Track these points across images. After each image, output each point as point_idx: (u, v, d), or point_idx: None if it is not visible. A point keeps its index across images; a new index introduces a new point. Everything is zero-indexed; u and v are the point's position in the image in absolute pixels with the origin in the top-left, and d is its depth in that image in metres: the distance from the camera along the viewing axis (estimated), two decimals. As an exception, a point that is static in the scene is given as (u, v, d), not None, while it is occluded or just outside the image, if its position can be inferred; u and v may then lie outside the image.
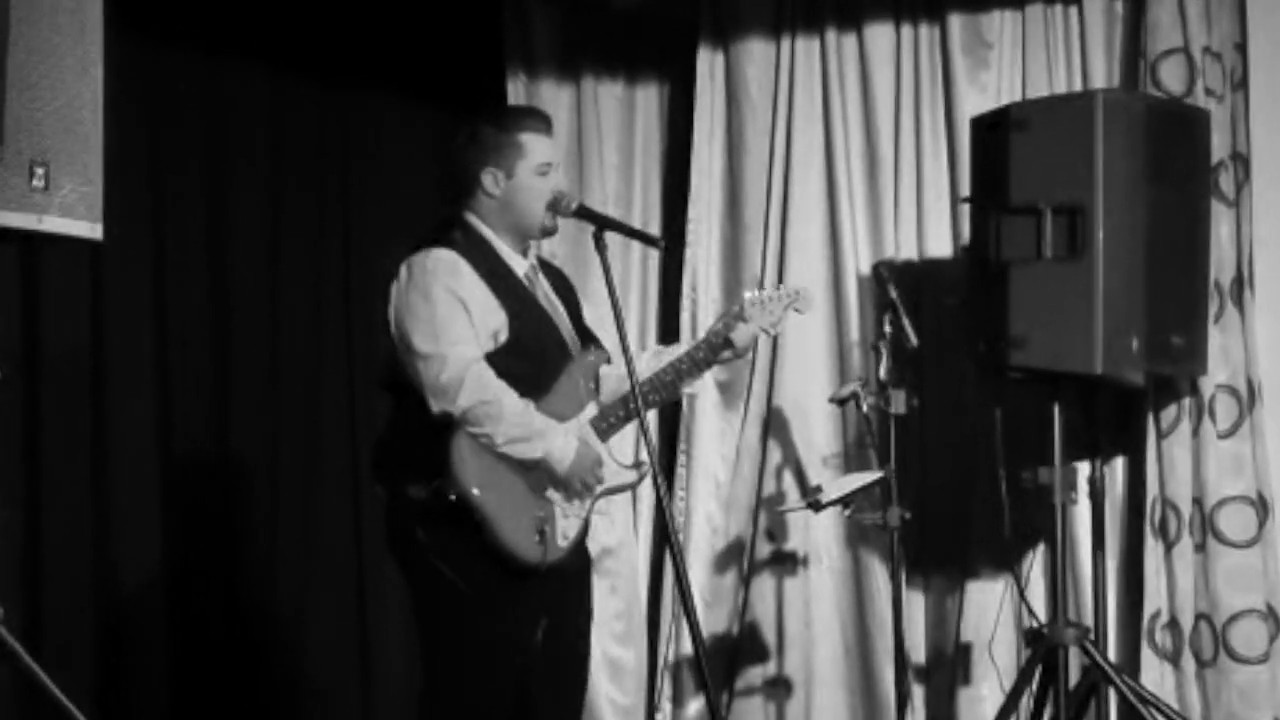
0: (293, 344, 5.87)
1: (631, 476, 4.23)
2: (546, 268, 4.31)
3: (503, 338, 4.00)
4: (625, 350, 3.86)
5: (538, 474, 3.97)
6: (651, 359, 4.26)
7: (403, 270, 4.02)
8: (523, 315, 4.05)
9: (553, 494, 4.00)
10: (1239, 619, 5.28)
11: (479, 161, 4.08)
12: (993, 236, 4.98)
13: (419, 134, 6.20)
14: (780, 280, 5.92)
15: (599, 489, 4.09)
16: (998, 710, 5.13)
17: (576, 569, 4.18)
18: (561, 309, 4.22)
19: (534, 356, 4.04)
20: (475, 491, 3.88)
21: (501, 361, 3.97)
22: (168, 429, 5.45)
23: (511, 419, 3.92)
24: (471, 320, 3.96)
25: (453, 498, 3.88)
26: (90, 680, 5.03)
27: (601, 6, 6.09)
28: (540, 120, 4.17)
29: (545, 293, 4.20)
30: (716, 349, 4.20)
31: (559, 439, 3.97)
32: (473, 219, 4.11)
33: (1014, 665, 5.54)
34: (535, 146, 4.08)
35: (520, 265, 4.13)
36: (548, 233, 4.15)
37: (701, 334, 4.42)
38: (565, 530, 4.02)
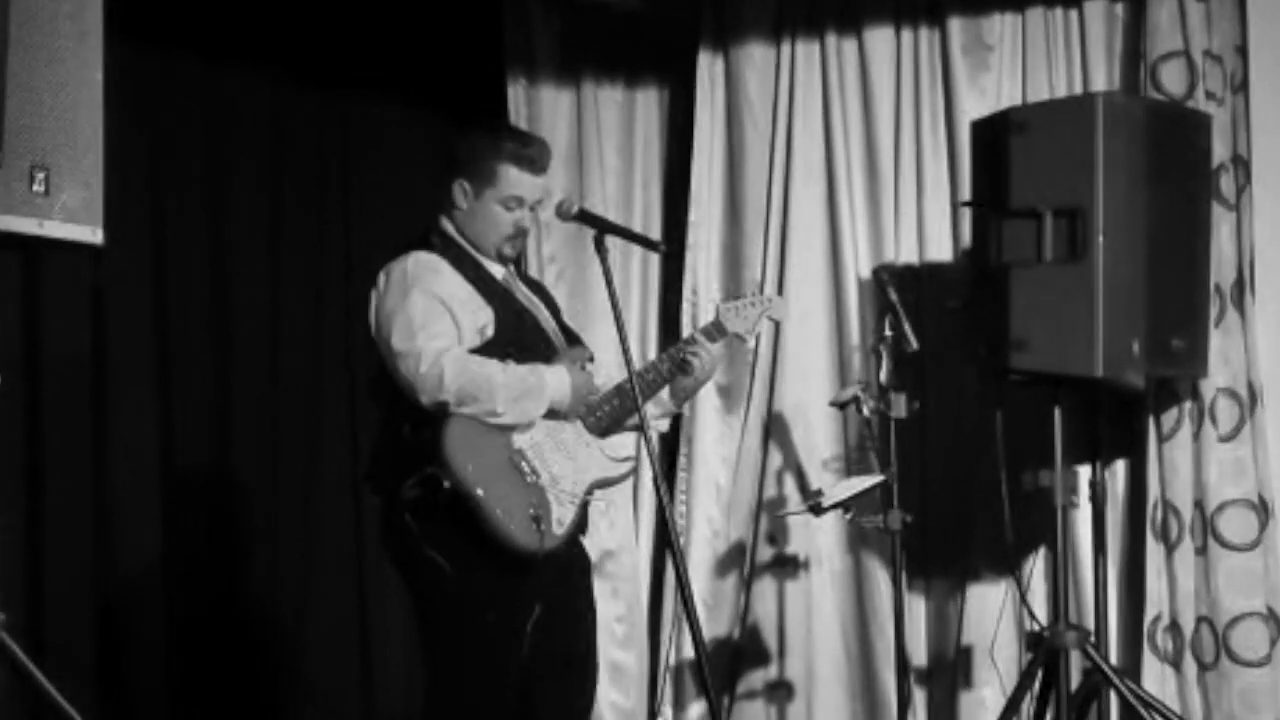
0: (293, 347, 5.87)
1: (625, 468, 4.22)
2: (521, 277, 4.34)
3: (489, 332, 4.02)
4: (625, 352, 3.86)
5: (528, 459, 3.97)
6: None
7: (381, 277, 4.05)
8: (506, 311, 4.08)
9: (546, 480, 4.00)
10: (1240, 622, 5.28)
11: (453, 170, 4.11)
12: (993, 239, 4.98)
13: (419, 138, 6.19)
14: (780, 285, 5.93)
15: (592, 480, 4.10)
16: (999, 714, 5.13)
17: (574, 565, 4.19)
18: (543, 309, 4.25)
19: (521, 350, 4.05)
20: (471, 481, 3.88)
21: (489, 355, 3.99)
22: (168, 433, 5.45)
23: (502, 382, 3.92)
24: (454, 317, 3.97)
25: (446, 485, 3.88)
26: (91, 683, 5.03)
27: (602, 10, 6.09)
28: (530, 158, 4.10)
29: (524, 293, 4.23)
30: (681, 366, 4.16)
31: (551, 379, 4.00)
32: (448, 226, 4.14)
33: (1015, 668, 5.54)
34: (511, 179, 4.07)
35: (497, 270, 4.16)
36: (504, 260, 4.15)
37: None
38: (560, 517, 4.02)
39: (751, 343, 4.44)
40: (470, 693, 3.98)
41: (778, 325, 5.83)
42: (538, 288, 4.38)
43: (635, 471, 4.34)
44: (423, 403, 3.90)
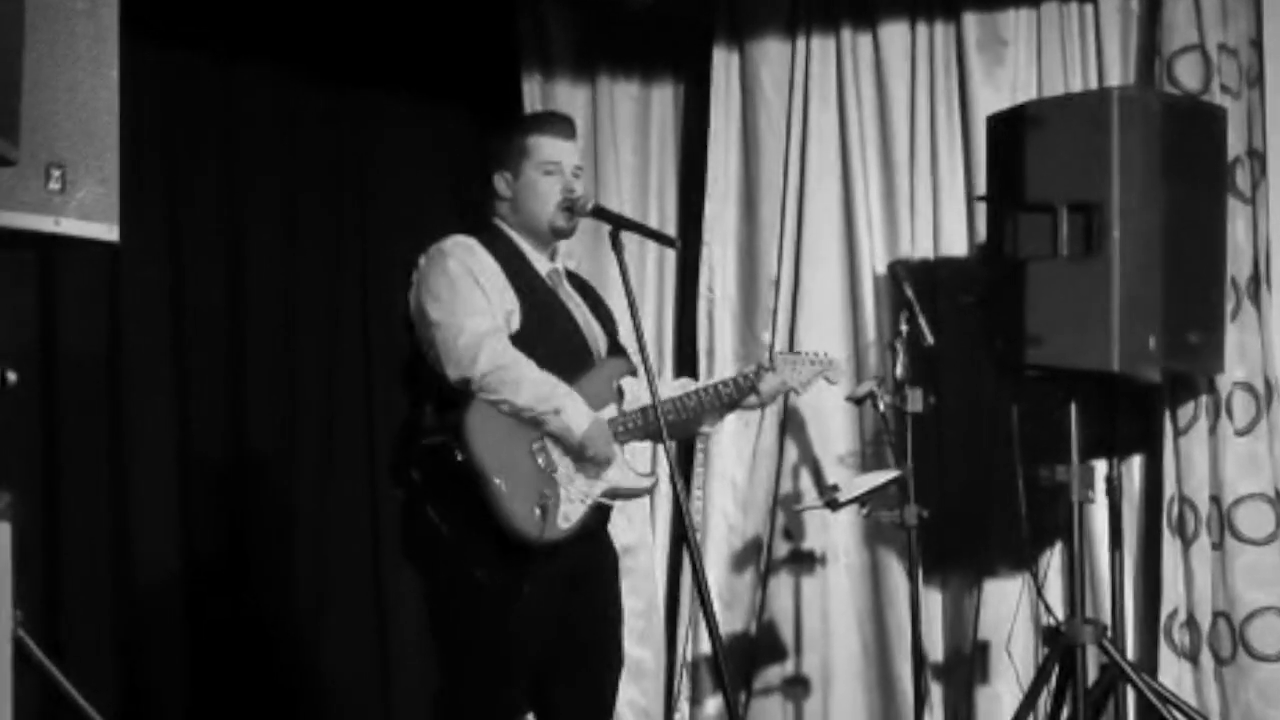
0: (309, 342, 5.89)
1: (646, 483, 4.26)
2: (574, 278, 4.36)
3: (515, 322, 4.04)
4: (642, 348, 3.87)
5: (547, 451, 3.99)
6: (677, 387, 4.31)
7: (422, 258, 4.09)
8: (536, 305, 4.09)
9: (561, 474, 4.01)
10: (1257, 616, 5.28)
11: (489, 166, 4.19)
12: (1009, 234, 4.98)
13: (434, 135, 6.21)
14: (796, 280, 5.93)
15: (608, 485, 4.10)
16: (1016, 709, 5.13)
17: (600, 564, 4.23)
18: (591, 317, 4.26)
19: (547, 348, 4.05)
20: (483, 460, 3.91)
21: (516, 347, 4.00)
22: (185, 429, 5.46)
23: (531, 383, 3.95)
24: (488, 297, 4.00)
25: (459, 458, 3.90)
26: (109, 680, 5.05)
27: (617, 7, 6.08)
28: (556, 124, 4.21)
29: (568, 294, 4.24)
30: (744, 390, 4.25)
31: (576, 404, 4.00)
32: (496, 221, 4.19)
33: (1032, 664, 5.53)
34: (542, 147, 4.14)
35: (543, 265, 4.18)
36: (560, 233, 4.18)
37: (719, 358, 4.45)
38: (568, 513, 4.03)
39: (800, 395, 4.49)
40: (477, 687, 4.00)
41: (792, 320, 5.86)
42: (591, 295, 4.36)
43: (653, 487, 4.35)
44: (449, 374, 3.93)
